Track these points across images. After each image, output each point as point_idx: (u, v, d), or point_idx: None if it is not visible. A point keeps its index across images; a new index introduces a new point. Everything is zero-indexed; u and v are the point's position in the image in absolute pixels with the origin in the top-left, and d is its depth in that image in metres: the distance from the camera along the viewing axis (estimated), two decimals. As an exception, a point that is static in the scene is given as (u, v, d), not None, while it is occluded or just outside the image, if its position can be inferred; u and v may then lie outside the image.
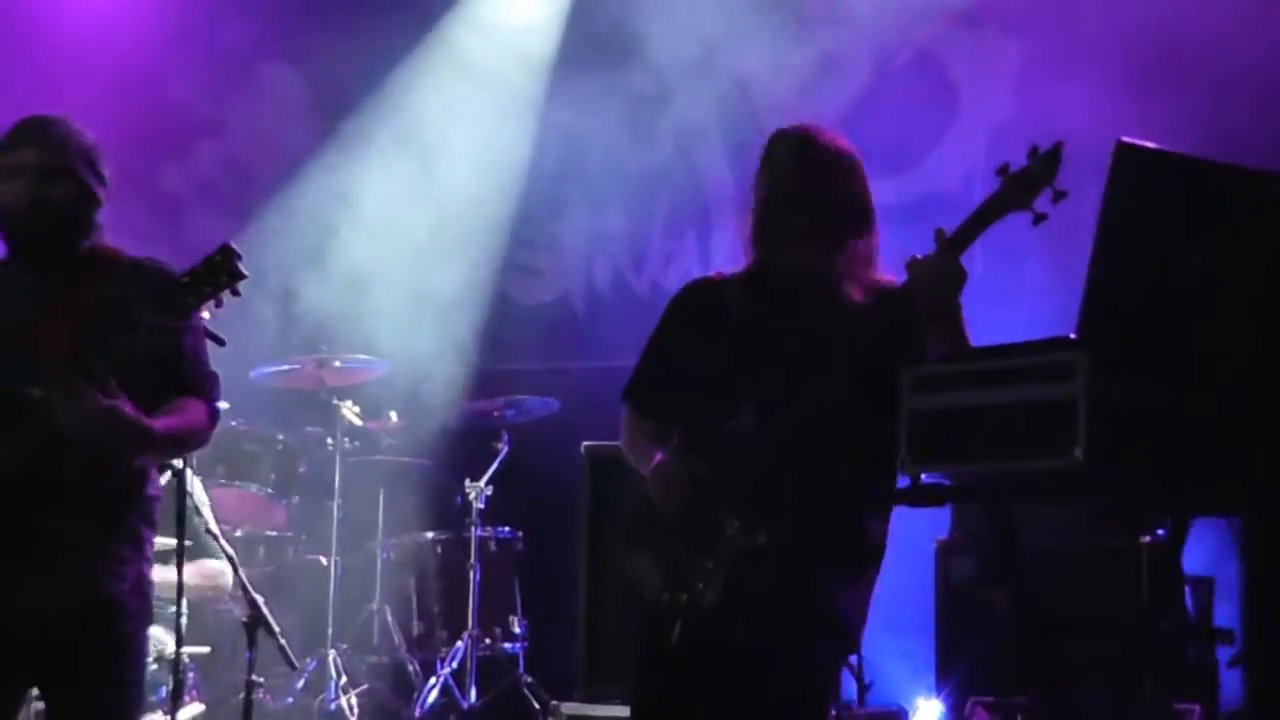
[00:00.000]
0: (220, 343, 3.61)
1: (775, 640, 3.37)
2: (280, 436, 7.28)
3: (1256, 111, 6.38)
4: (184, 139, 8.62)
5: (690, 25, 7.71)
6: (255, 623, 5.08)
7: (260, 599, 5.11)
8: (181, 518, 4.47)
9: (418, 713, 6.96)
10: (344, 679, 6.98)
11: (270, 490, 7.16)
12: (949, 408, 2.81)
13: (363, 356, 7.48)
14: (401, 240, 8.04)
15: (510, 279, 8.41)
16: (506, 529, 7.43)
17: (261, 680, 5.41)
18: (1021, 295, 6.62)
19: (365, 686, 7.13)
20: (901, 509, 3.01)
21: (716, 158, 7.87)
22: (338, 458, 7.38)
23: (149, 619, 3.67)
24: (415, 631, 7.39)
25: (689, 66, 7.77)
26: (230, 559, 5.17)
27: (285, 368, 7.44)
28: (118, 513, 3.54)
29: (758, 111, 7.43)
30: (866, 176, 3.56)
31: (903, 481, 2.92)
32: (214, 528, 5.22)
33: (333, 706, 6.86)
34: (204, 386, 3.60)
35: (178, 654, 4.60)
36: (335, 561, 7.27)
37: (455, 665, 7.08)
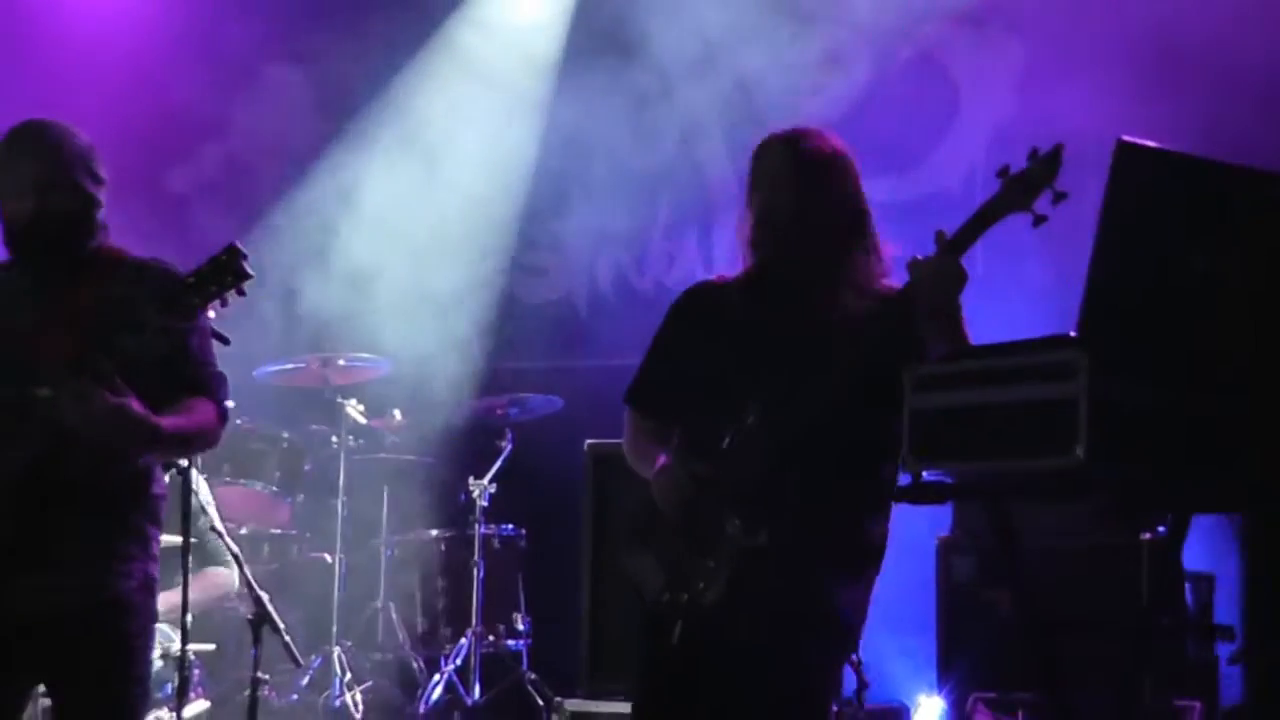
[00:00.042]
0: (225, 342, 3.63)
1: (776, 640, 3.38)
2: (285, 435, 7.30)
3: (1258, 111, 6.39)
4: (189, 140, 8.63)
5: (694, 25, 7.72)
6: (260, 620, 5.09)
7: (265, 596, 5.12)
8: (187, 516, 4.49)
9: (422, 709, 6.98)
10: (349, 676, 6.99)
11: (275, 488, 7.18)
12: (950, 406, 2.81)
13: (367, 355, 7.49)
14: (406, 239, 8.05)
15: (514, 278, 8.42)
16: (510, 527, 7.44)
17: (266, 677, 5.41)
18: (1021, 294, 6.63)
19: (370, 683, 7.14)
20: (903, 506, 3.02)
21: (720, 157, 7.88)
22: (342, 456, 7.39)
23: (154, 617, 3.68)
24: (419, 629, 7.41)
25: (692, 66, 7.78)
26: (235, 557, 5.19)
27: (290, 366, 7.46)
28: (124, 511, 3.55)
29: (760, 111, 7.43)
30: (859, 175, 3.56)
31: (904, 479, 2.92)
32: (219, 526, 5.24)
33: (337, 703, 6.87)
34: (211, 386, 3.61)
35: (183, 651, 4.60)
36: (340, 559, 7.28)
37: (459, 662, 7.09)
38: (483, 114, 8.27)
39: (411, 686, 7.21)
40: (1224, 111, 6.32)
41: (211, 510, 5.24)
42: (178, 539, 4.49)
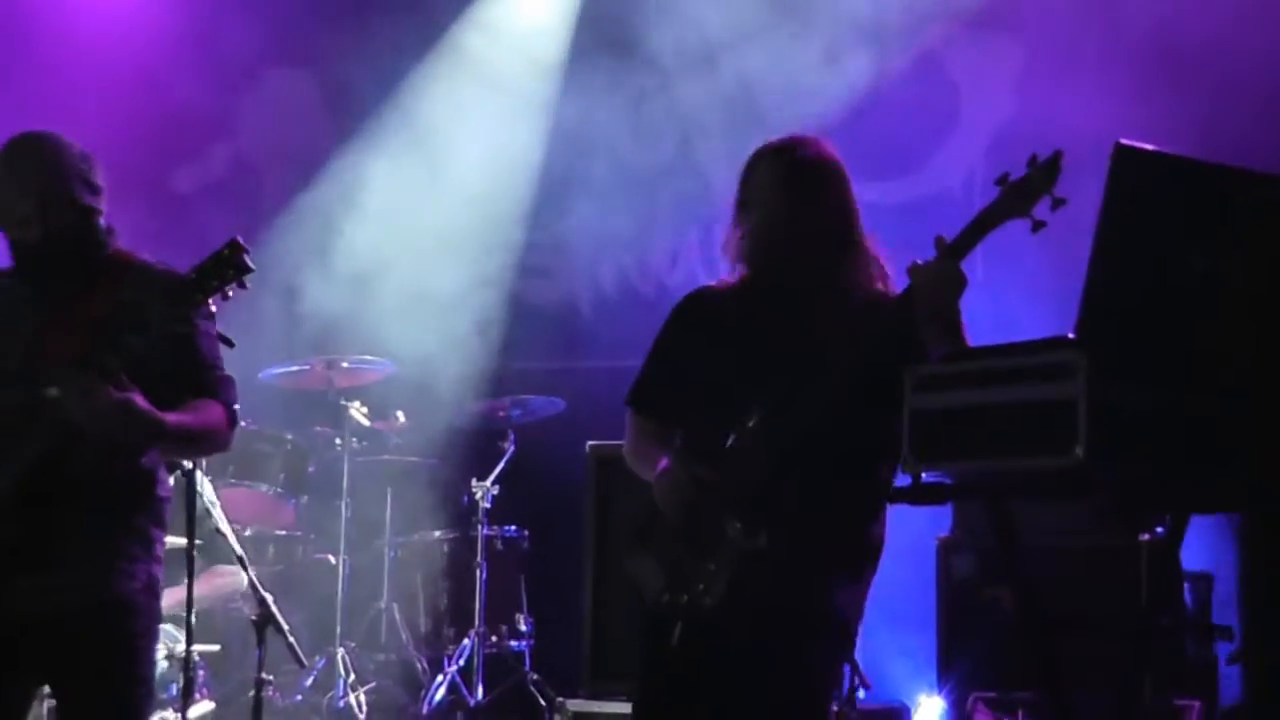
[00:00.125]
0: (230, 345, 3.64)
1: (775, 641, 3.39)
2: (289, 437, 7.32)
3: (1258, 114, 6.40)
4: (195, 141, 8.65)
5: (697, 28, 7.74)
6: (264, 621, 5.10)
7: (269, 597, 5.13)
8: (191, 518, 4.50)
9: (425, 710, 7.00)
10: (352, 676, 7.01)
11: (279, 490, 7.20)
12: (950, 407, 2.82)
13: (370, 357, 7.50)
14: (410, 241, 8.06)
15: (517, 279, 8.43)
16: (513, 528, 7.46)
17: (271, 678, 5.44)
18: (1021, 296, 6.64)
19: (373, 684, 7.16)
20: (903, 506, 3.03)
21: (722, 160, 7.89)
22: (346, 458, 7.41)
23: (159, 618, 3.68)
24: (423, 629, 7.43)
25: (696, 68, 7.79)
26: (240, 558, 5.20)
27: (294, 368, 7.48)
28: (127, 511, 3.56)
29: (763, 113, 7.45)
30: (851, 181, 3.57)
31: (904, 480, 2.93)
32: (224, 527, 5.26)
33: (341, 704, 6.89)
34: (219, 388, 3.63)
35: (188, 652, 4.62)
36: (344, 560, 7.30)
37: (462, 663, 7.10)
38: (487, 116, 8.29)
39: (415, 687, 7.23)
40: (1224, 113, 6.34)
41: (217, 511, 5.26)
42: (182, 540, 4.51)
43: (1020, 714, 5.28)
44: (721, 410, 3.48)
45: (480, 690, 7.05)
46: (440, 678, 7.09)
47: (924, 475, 2.91)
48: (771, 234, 3.53)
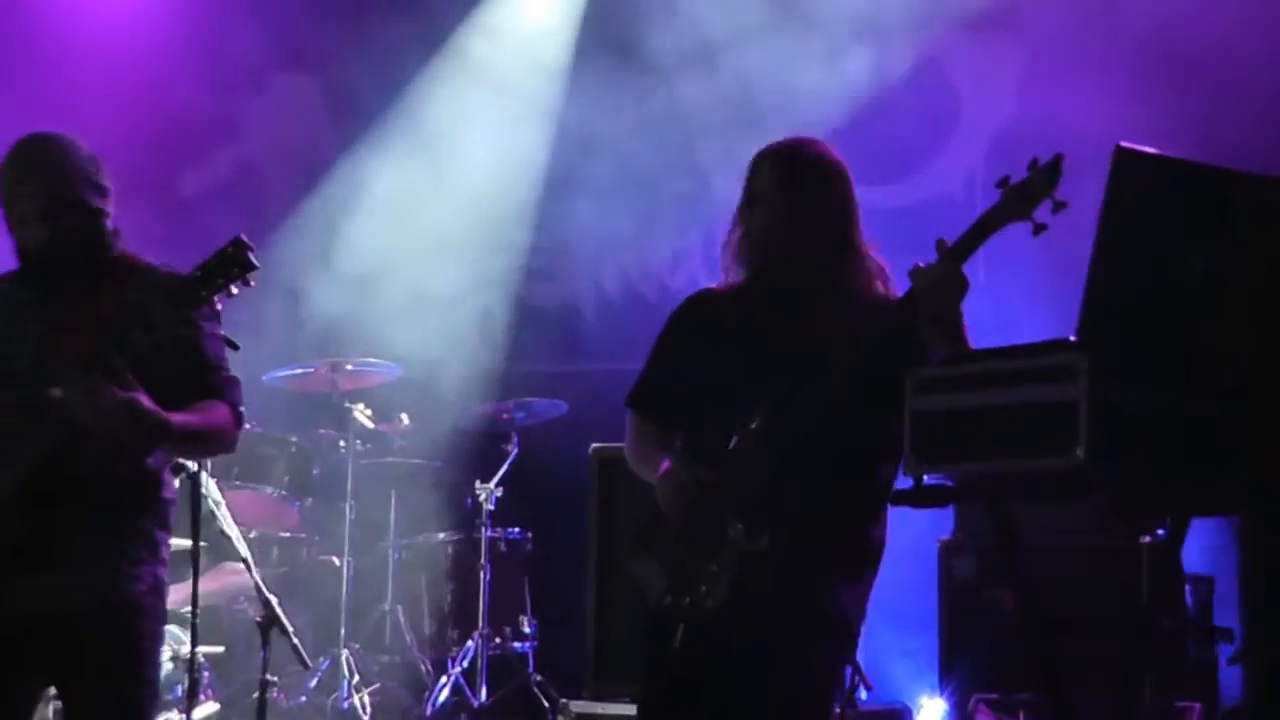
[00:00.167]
0: (235, 347, 3.65)
1: (777, 642, 3.40)
2: (294, 439, 7.33)
3: (1258, 115, 6.41)
4: (201, 144, 8.67)
5: (698, 30, 7.75)
6: (269, 623, 5.11)
7: (274, 599, 5.14)
8: (197, 520, 4.51)
9: (429, 711, 7.01)
10: (356, 678, 7.02)
11: (284, 492, 7.21)
12: (951, 409, 2.84)
13: (375, 360, 7.52)
14: (414, 244, 8.08)
15: (521, 282, 8.45)
16: (516, 530, 7.47)
17: (275, 679, 5.44)
18: (1022, 298, 6.65)
19: (377, 685, 7.17)
20: (905, 509, 3.04)
21: (723, 162, 7.89)
22: (350, 460, 7.42)
23: (164, 619, 3.68)
24: (426, 631, 7.45)
25: (697, 71, 7.81)
26: (245, 560, 5.21)
27: (298, 371, 7.50)
28: (132, 513, 3.56)
29: (764, 116, 7.47)
30: (853, 183, 3.59)
31: (906, 482, 2.94)
32: (229, 529, 5.27)
33: (345, 705, 6.90)
34: (225, 389, 3.62)
35: (192, 653, 4.62)
36: (348, 562, 7.31)
37: (466, 664, 7.12)
38: (489, 119, 8.31)
39: (419, 688, 7.24)
40: (1224, 115, 6.35)
41: (222, 513, 5.27)
42: (188, 542, 4.52)
43: (1021, 715, 5.29)
44: (722, 411, 3.49)
45: (484, 692, 7.06)
46: (444, 679, 7.10)
47: (926, 477, 2.92)
48: (772, 235, 3.54)
